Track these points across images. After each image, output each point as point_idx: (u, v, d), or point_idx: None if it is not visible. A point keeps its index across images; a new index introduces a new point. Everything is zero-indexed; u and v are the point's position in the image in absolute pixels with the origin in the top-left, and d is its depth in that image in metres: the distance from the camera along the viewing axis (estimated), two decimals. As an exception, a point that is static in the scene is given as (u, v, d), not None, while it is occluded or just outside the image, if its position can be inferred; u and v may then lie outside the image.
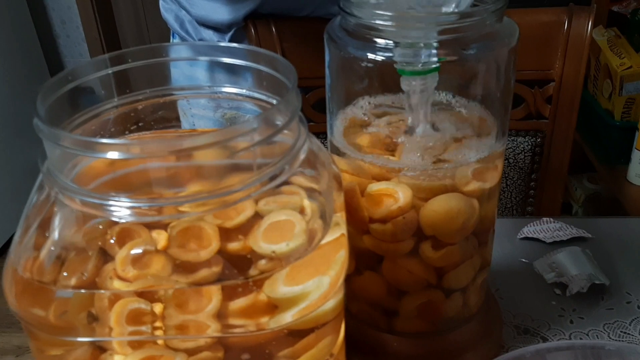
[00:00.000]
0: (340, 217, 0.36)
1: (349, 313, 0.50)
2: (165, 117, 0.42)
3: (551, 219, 0.67)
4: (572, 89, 0.77)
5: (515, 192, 0.84)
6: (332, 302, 0.35)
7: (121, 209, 0.30)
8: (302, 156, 0.35)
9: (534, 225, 0.66)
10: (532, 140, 0.81)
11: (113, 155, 0.29)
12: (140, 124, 0.41)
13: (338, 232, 0.36)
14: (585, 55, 0.77)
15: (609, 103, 1.35)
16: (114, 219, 0.30)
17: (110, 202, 0.30)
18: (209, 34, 0.76)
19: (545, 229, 0.66)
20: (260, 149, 0.32)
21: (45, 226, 0.32)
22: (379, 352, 0.49)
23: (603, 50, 1.34)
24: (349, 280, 0.49)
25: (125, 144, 0.30)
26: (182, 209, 0.32)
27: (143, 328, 0.32)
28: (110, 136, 0.39)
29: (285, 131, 0.34)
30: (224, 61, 0.38)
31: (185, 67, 0.39)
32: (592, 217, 0.71)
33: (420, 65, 0.38)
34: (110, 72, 0.37)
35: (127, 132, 0.40)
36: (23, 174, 1.80)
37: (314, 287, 0.35)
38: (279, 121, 0.33)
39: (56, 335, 0.32)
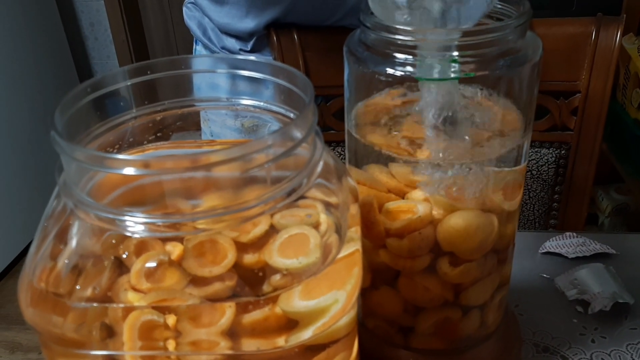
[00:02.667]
0: (355, 231, 0.36)
1: (365, 328, 0.50)
2: (184, 127, 0.42)
3: (574, 234, 0.66)
4: (599, 101, 0.76)
5: (538, 205, 0.82)
6: (346, 319, 0.35)
7: (135, 225, 0.30)
8: (318, 170, 0.35)
9: (556, 240, 0.65)
10: (556, 152, 0.80)
11: (129, 171, 0.29)
12: (158, 134, 0.41)
13: (353, 247, 0.36)
14: (613, 67, 0.75)
15: (639, 112, 1.32)
16: (128, 234, 0.31)
17: (125, 218, 0.30)
18: (231, 42, 0.77)
19: (567, 243, 0.65)
20: (277, 163, 0.32)
21: (61, 237, 0.33)
22: (394, 367, 0.48)
23: (633, 59, 1.32)
24: (365, 295, 0.48)
25: (139, 160, 0.30)
26: (197, 225, 0.32)
27: (156, 342, 0.33)
28: (129, 146, 0.40)
29: (303, 145, 0.34)
30: (243, 74, 0.38)
31: (208, 75, 0.39)
32: (616, 233, 0.69)
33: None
34: (129, 83, 0.38)
35: (145, 143, 0.41)
36: (49, 176, 1.83)
37: (329, 301, 0.35)
38: (296, 136, 0.32)
39: (69, 348, 0.32)
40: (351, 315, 0.36)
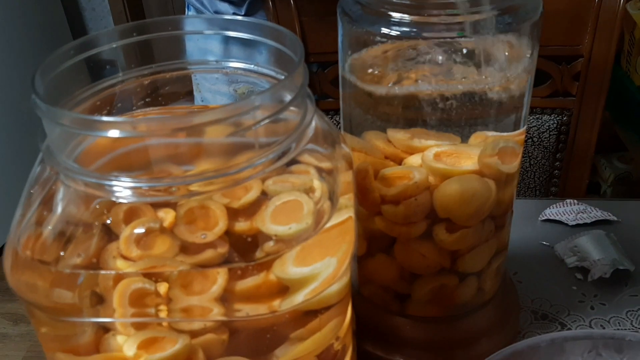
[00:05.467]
0: (348, 198, 0.35)
1: (361, 296, 0.49)
2: (174, 92, 0.41)
3: (575, 201, 0.65)
4: (602, 66, 0.74)
5: (539, 172, 0.81)
6: (338, 285, 0.34)
7: (123, 190, 0.29)
8: (309, 133, 0.34)
9: (556, 207, 0.64)
10: (557, 118, 0.78)
11: (114, 133, 0.28)
12: (147, 100, 0.40)
13: (346, 214, 0.35)
14: (617, 31, 0.73)
15: (643, 80, 1.30)
16: (115, 199, 0.30)
17: (112, 183, 0.29)
18: (224, 6, 0.75)
19: (568, 211, 0.64)
20: (266, 126, 0.31)
21: (46, 205, 0.32)
22: (391, 335, 0.48)
23: (638, 25, 1.29)
24: (360, 263, 0.48)
25: (124, 122, 0.29)
26: (188, 188, 0.31)
27: (146, 309, 0.32)
28: (117, 112, 0.39)
29: (292, 108, 0.33)
30: (230, 35, 0.37)
31: (200, 41, 0.38)
32: (618, 199, 0.68)
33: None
34: (115, 45, 0.37)
35: (134, 108, 0.40)
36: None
37: (323, 268, 0.34)
38: (286, 97, 0.32)
39: (57, 316, 0.32)
40: (344, 282, 0.35)
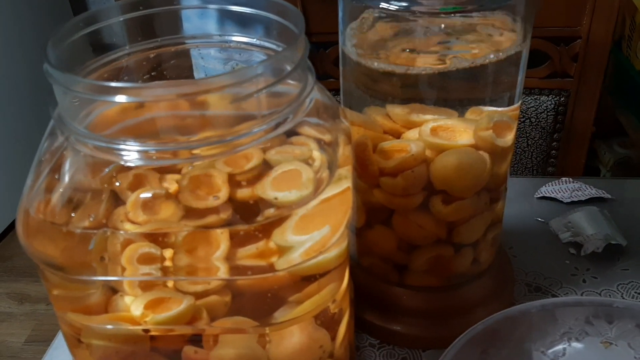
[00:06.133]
0: (346, 170, 0.37)
1: (361, 267, 0.51)
2: (179, 66, 0.42)
3: (570, 179, 0.66)
4: (600, 48, 0.75)
5: (536, 152, 0.83)
6: (335, 252, 0.36)
7: (131, 153, 0.31)
8: (308, 105, 0.35)
9: (552, 185, 0.66)
10: (555, 99, 0.79)
11: (121, 98, 0.30)
12: (153, 74, 0.41)
13: (345, 184, 0.36)
14: (616, 12, 0.74)
15: (644, 65, 1.30)
16: (123, 162, 0.31)
17: (121, 146, 0.30)
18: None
19: (563, 188, 0.65)
20: (266, 99, 0.32)
21: (57, 170, 0.33)
22: (389, 305, 0.49)
23: (639, 9, 1.29)
24: (360, 234, 0.49)
25: (133, 87, 0.31)
26: (191, 152, 0.32)
27: (152, 270, 0.33)
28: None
29: (292, 81, 0.34)
30: (231, 9, 0.38)
31: (196, 20, 0.39)
32: (612, 178, 0.69)
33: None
34: (122, 19, 0.38)
35: (139, 81, 0.41)
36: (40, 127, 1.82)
37: (322, 236, 0.35)
38: (286, 69, 0.33)
39: (69, 275, 0.33)
40: (340, 249, 0.36)
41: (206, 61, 0.74)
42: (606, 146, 1.59)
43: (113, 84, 0.29)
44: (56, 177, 0.33)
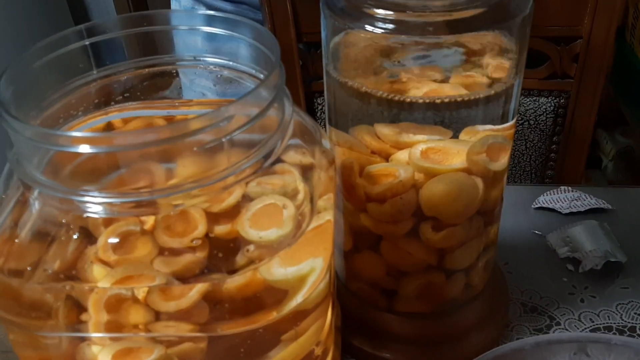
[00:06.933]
0: (327, 199, 0.35)
1: (348, 290, 0.49)
2: (154, 86, 0.40)
3: (569, 188, 0.64)
4: (601, 48, 0.72)
5: (535, 156, 0.80)
6: (319, 287, 0.34)
7: (94, 205, 0.29)
8: (289, 132, 0.33)
9: (550, 195, 0.63)
10: (555, 101, 0.77)
11: (84, 149, 0.28)
12: (126, 95, 0.39)
13: (324, 217, 0.34)
14: (618, 10, 0.71)
15: (647, 54, 1.27)
16: (88, 215, 0.29)
17: (84, 199, 0.28)
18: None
19: (562, 198, 0.63)
20: (247, 134, 0.30)
21: (16, 217, 0.31)
22: (379, 331, 0.47)
23: (643, -3, 1.26)
24: (347, 258, 0.47)
25: (92, 137, 0.28)
26: (170, 201, 0.30)
27: (123, 317, 0.32)
28: (95, 108, 0.38)
29: (272, 112, 0.32)
30: (205, 30, 0.36)
31: (187, 37, 0.37)
32: (613, 187, 0.67)
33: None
34: (87, 43, 0.36)
35: (113, 103, 0.39)
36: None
37: (306, 270, 0.34)
38: (264, 97, 0.31)
39: (32, 331, 0.31)
40: (321, 286, 0.35)
41: (196, 80, 0.71)
42: (608, 135, 1.57)
43: (67, 134, 0.27)
44: (15, 224, 0.30)
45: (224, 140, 0.29)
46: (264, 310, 0.31)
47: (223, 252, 0.32)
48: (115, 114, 0.39)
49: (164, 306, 0.32)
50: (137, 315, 0.32)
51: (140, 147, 0.28)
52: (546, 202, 0.63)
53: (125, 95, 0.39)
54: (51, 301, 0.31)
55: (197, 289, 0.32)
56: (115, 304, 0.31)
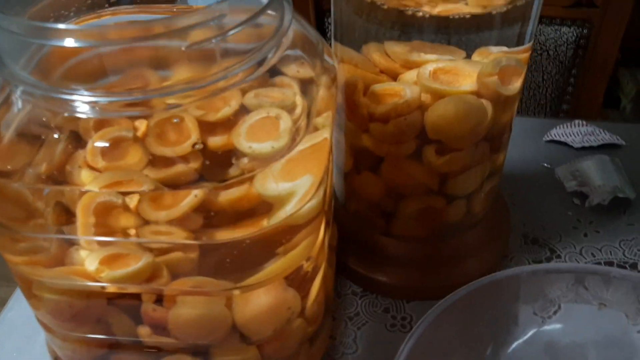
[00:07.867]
0: (326, 117, 0.33)
1: (346, 211, 0.48)
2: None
3: (583, 122, 0.62)
4: (632, -26, 0.68)
5: (551, 88, 0.77)
6: (312, 203, 0.33)
7: (82, 105, 0.27)
8: (288, 39, 0.32)
9: (563, 128, 0.61)
10: (577, 30, 0.73)
11: (69, 42, 0.26)
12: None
13: (322, 135, 0.33)
14: None
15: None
16: (77, 115, 0.28)
17: (73, 97, 0.27)
18: None
19: (575, 132, 0.61)
20: (243, 32, 0.29)
21: (2, 117, 0.30)
22: (374, 253, 0.47)
23: None
24: (347, 178, 0.46)
25: (81, 30, 0.27)
26: (165, 100, 0.29)
27: (112, 224, 0.31)
28: (88, 9, 0.36)
29: (269, 12, 0.30)
30: None
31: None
32: (627, 124, 0.65)
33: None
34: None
35: (107, 5, 0.37)
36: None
37: (300, 186, 0.33)
38: (258, 1, 0.29)
39: (21, 232, 0.31)
40: (317, 200, 0.34)
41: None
42: (629, 74, 1.52)
43: (55, 26, 0.25)
44: (3, 125, 0.29)
45: (214, 41, 0.27)
46: (254, 218, 0.31)
47: (216, 163, 0.31)
48: (107, 17, 0.37)
49: (155, 215, 0.31)
50: (126, 222, 0.31)
51: (129, 42, 0.26)
52: (558, 135, 0.61)
53: (119, -4, 0.37)
54: (39, 203, 0.30)
55: (189, 201, 0.31)
56: (104, 211, 0.31)
